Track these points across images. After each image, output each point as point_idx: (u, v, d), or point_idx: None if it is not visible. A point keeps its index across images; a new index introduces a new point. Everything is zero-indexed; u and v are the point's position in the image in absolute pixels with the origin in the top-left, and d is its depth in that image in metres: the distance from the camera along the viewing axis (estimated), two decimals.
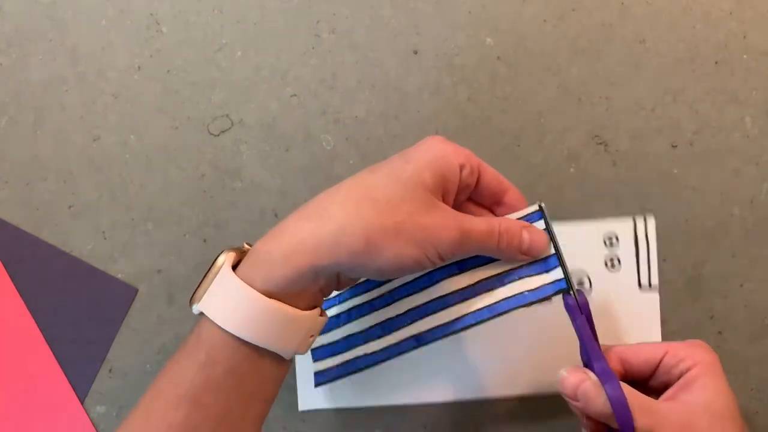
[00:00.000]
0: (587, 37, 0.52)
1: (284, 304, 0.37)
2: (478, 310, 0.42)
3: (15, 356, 0.52)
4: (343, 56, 0.52)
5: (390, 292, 0.45)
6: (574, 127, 0.51)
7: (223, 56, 0.52)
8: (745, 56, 0.51)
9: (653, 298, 0.51)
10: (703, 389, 0.40)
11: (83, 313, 0.52)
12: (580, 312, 0.42)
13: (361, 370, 0.45)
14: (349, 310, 0.46)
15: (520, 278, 0.42)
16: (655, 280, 0.51)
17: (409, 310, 0.44)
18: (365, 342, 0.45)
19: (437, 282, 0.43)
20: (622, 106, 0.52)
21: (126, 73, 0.52)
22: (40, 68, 0.52)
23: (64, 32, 0.52)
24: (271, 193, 0.52)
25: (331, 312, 0.46)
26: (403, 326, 0.44)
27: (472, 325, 0.42)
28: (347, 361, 0.45)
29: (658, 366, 0.43)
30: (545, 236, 0.43)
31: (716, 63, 0.52)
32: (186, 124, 0.52)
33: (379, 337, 0.44)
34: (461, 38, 0.52)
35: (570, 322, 0.42)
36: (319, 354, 0.47)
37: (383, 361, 0.44)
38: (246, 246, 0.40)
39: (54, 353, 0.52)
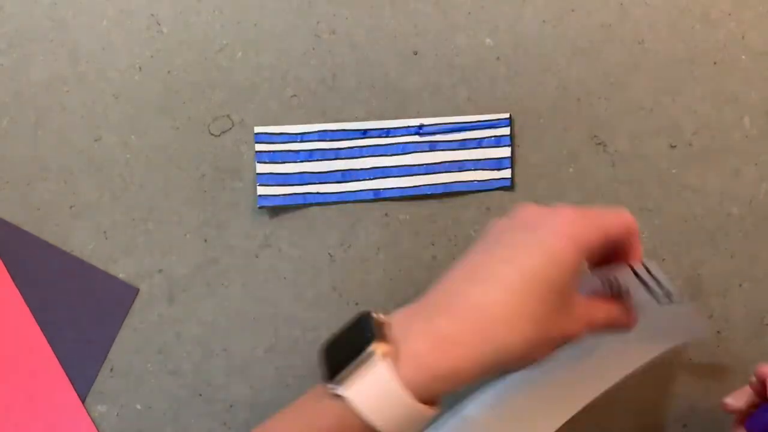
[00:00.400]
0: (587, 37, 0.52)
1: (428, 408, 0.36)
2: (435, 184, 0.51)
3: (15, 356, 0.52)
4: (343, 56, 0.52)
5: (359, 148, 0.51)
6: (574, 127, 0.52)
7: (224, 56, 0.52)
8: (744, 57, 0.52)
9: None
10: None
11: (84, 313, 0.52)
12: None
13: (309, 205, 0.51)
14: (312, 150, 0.51)
15: (475, 169, 0.51)
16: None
17: (373, 168, 0.51)
18: (321, 182, 0.51)
19: (408, 153, 0.51)
20: (621, 106, 0.52)
21: (126, 73, 0.52)
22: (40, 68, 0.52)
23: (65, 32, 0.52)
24: None
25: (291, 147, 0.51)
26: (365, 179, 0.51)
27: (426, 195, 0.51)
28: (297, 194, 0.51)
29: None
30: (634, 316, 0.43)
31: (715, 63, 0.52)
32: (186, 124, 0.52)
33: (338, 182, 0.51)
34: (461, 38, 0.52)
35: None
36: (265, 180, 0.51)
37: (335, 203, 0.51)
38: (380, 318, 0.38)
39: (55, 353, 0.52)
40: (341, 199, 0.52)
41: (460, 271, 0.39)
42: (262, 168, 0.51)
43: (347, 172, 0.51)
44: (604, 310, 0.42)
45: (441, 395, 0.37)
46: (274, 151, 0.51)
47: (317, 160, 0.52)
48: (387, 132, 0.51)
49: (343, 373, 0.36)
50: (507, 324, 0.37)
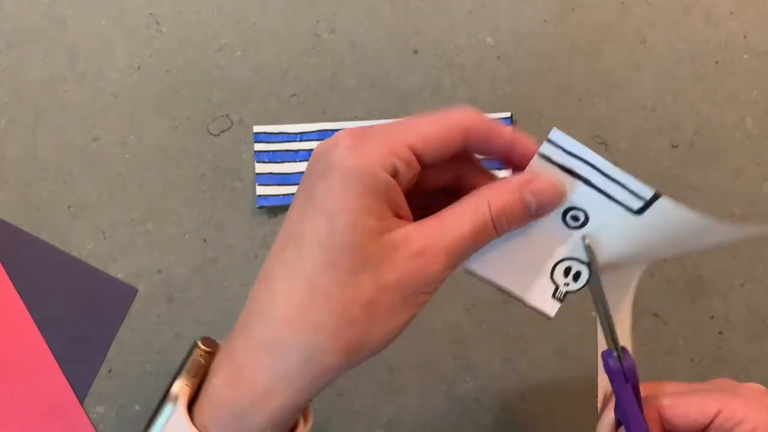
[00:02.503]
0: (587, 37, 0.52)
1: None
2: None
3: (14, 356, 0.52)
4: (343, 56, 0.52)
5: None
6: (574, 127, 0.51)
7: (223, 56, 0.52)
8: (745, 56, 0.51)
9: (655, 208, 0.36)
10: None
11: (82, 313, 0.52)
12: (626, 380, 0.36)
13: None
14: (311, 150, 0.48)
15: None
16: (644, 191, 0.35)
17: None
18: None
19: None
20: (622, 106, 0.52)
21: (126, 72, 0.52)
22: (39, 68, 0.52)
23: (64, 32, 0.52)
24: None
25: (290, 147, 0.50)
26: None
27: None
28: None
29: (707, 427, 0.36)
30: (551, 181, 0.34)
31: (717, 63, 0.52)
32: (186, 123, 0.52)
33: None
34: (461, 38, 0.52)
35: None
36: (265, 179, 0.50)
37: None
38: (201, 347, 0.32)
39: (53, 353, 0.52)
40: None
41: (265, 265, 0.32)
42: (261, 168, 0.51)
43: None
44: (468, 215, 0.32)
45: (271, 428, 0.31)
46: (273, 151, 0.51)
47: None
48: None
49: (150, 419, 0.32)
50: (293, 324, 0.30)
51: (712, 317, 0.51)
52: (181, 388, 0.31)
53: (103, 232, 0.52)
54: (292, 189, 0.51)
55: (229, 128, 0.52)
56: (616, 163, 0.34)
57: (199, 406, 0.31)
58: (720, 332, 0.51)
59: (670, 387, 0.39)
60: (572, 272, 0.36)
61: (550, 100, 0.52)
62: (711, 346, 0.51)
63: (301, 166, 0.51)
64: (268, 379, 0.30)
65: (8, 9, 0.52)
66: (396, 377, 0.51)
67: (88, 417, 0.51)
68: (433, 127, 0.32)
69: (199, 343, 0.32)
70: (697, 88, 0.51)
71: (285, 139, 0.51)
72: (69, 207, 0.52)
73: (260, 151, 0.51)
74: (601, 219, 0.35)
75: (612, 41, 0.52)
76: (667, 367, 0.51)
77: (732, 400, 0.36)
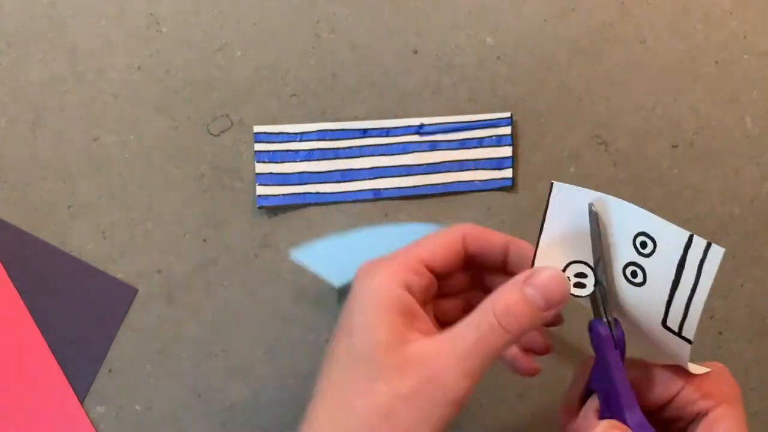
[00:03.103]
0: (588, 36, 0.52)
1: None
2: (435, 184, 0.51)
3: (14, 356, 0.52)
4: (343, 56, 0.52)
5: (359, 147, 0.51)
6: (574, 127, 0.51)
7: (223, 56, 0.52)
8: (745, 56, 0.51)
9: (679, 345, 0.37)
10: None
11: (83, 313, 0.52)
12: (615, 346, 0.36)
13: (309, 205, 0.51)
14: (311, 150, 0.51)
15: (476, 169, 0.51)
16: (689, 333, 0.36)
17: (373, 167, 0.51)
18: (322, 182, 0.51)
19: (408, 153, 0.51)
20: (622, 106, 0.52)
21: (125, 72, 0.52)
22: (39, 68, 0.52)
23: (64, 32, 0.52)
24: None
25: (291, 146, 0.51)
26: (365, 179, 0.51)
27: (427, 195, 0.51)
28: (297, 194, 0.51)
29: (672, 399, 0.37)
30: (551, 273, 0.34)
31: (717, 63, 0.52)
32: (186, 123, 0.52)
33: (338, 181, 0.51)
34: (461, 38, 0.52)
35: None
36: (265, 180, 0.51)
37: (335, 203, 0.51)
38: None
39: (53, 353, 0.51)
40: (341, 199, 0.51)
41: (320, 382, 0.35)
42: (261, 168, 0.51)
43: (347, 171, 0.51)
44: (473, 324, 0.34)
45: None
46: (273, 151, 0.51)
47: (317, 160, 0.51)
48: (387, 132, 0.51)
49: None
50: None
51: (712, 317, 0.51)
52: None
53: (103, 232, 0.52)
54: (292, 189, 0.51)
55: (229, 128, 0.52)
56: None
57: None
58: (720, 332, 0.51)
59: (639, 362, 0.39)
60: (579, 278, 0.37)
61: (550, 100, 0.52)
62: (711, 346, 0.51)
63: (301, 166, 0.51)
64: None
65: (8, 9, 0.52)
66: None
67: (88, 417, 0.51)
68: (438, 239, 0.37)
69: None
70: (697, 88, 0.51)
71: (285, 139, 0.51)
72: (69, 207, 0.52)
73: (260, 151, 0.51)
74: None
75: (612, 41, 0.52)
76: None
77: (699, 375, 0.37)
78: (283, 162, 0.51)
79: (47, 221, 0.52)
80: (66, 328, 0.52)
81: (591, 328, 0.37)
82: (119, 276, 0.52)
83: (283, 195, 0.51)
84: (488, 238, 0.39)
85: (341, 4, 0.52)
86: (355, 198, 0.51)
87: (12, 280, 0.52)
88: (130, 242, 0.52)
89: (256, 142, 0.51)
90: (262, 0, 0.52)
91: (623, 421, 0.35)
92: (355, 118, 0.52)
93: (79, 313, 0.52)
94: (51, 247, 0.52)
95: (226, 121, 0.52)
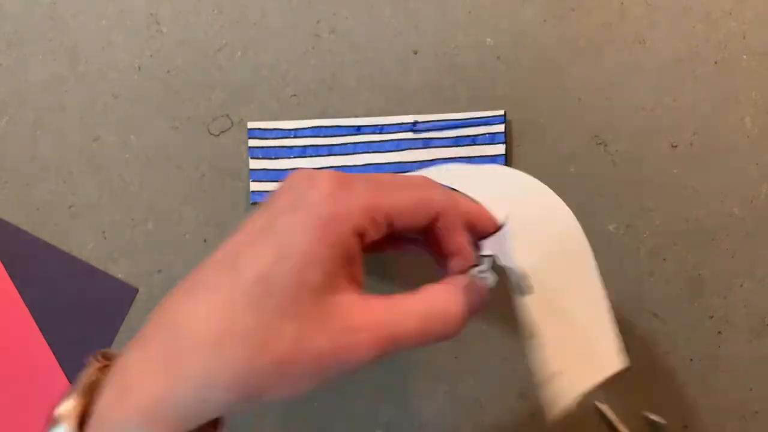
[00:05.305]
0: (587, 37, 0.52)
1: None
2: None
3: (14, 356, 0.52)
4: (343, 56, 0.52)
5: (353, 144, 0.51)
6: (574, 127, 0.51)
7: (223, 56, 0.52)
8: (745, 56, 0.51)
9: None
10: None
11: (83, 313, 0.52)
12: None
13: None
14: (305, 146, 0.51)
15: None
16: None
17: (367, 164, 0.51)
18: None
19: (402, 150, 0.51)
20: (622, 106, 0.52)
21: (126, 73, 0.52)
22: (40, 68, 0.52)
23: (64, 32, 0.52)
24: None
25: (285, 143, 0.51)
26: None
27: None
28: None
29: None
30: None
31: (716, 63, 0.52)
32: (186, 124, 0.52)
33: None
34: (461, 38, 0.52)
35: None
36: (258, 176, 0.51)
37: None
38: (97, 361, 0.30)
39: (54, 353, 0.52)
40: None
41: (194, 274, 0.30)
42: (255, 164, 0.51)
43: (341, 168, 0.51)
44: (417, 313, 0.31)
45: None
46: (267, 147, 0.51)
47: (311, 156, 0.51)
48: (381, 129, 0.51)
49: None
50: (199, 350, 0.28)
51: (711, 317, 0.51)
52: (68, 409, 0.29)
53: (104, 231, 0.52)
54: None
55: (229, 128, 0.52)
56: None
57: (88, 430, 0.29)
58: (719, 332, 0.52)
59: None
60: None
61: (549, 100, 0.52)
62: (710, 346, 0.51)
63: (295, 163, 0.51)
64: (152, 404, 0.28)
65: (8, 9, 0.52)
66: (396, 377, 0.51)
67: None
68: (411, 202, 0.32)
69: (97, 357, 0.30)
70: (696, 89, 0.51)
71: (279, 135, 0.51)
72: (69, 207, 0.52)
73: (254, 147, 0.51)
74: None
75: (611, 42, 0.52)
76: (666, 367, 0.51)
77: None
78: (277, 158, 0.51)
79: (47, 221, 0.52)
80: (66, 328, 0.52)
81: None
82: (120, 276, 0.52)
83: None
84: (475, 223, 0.35)
85: (341, 4, 0.52)
86: None
87: (12, 280, 0.52)
88: (131, 242, 0.52)
89: (249, 138, 0.51)
90: (262, 0, 0.52)
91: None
92: (355, 118, 0.52)
93: (79, 313, 0.52)
94: (51, 247, 0.52)
95: (226, 121, 0.52)
